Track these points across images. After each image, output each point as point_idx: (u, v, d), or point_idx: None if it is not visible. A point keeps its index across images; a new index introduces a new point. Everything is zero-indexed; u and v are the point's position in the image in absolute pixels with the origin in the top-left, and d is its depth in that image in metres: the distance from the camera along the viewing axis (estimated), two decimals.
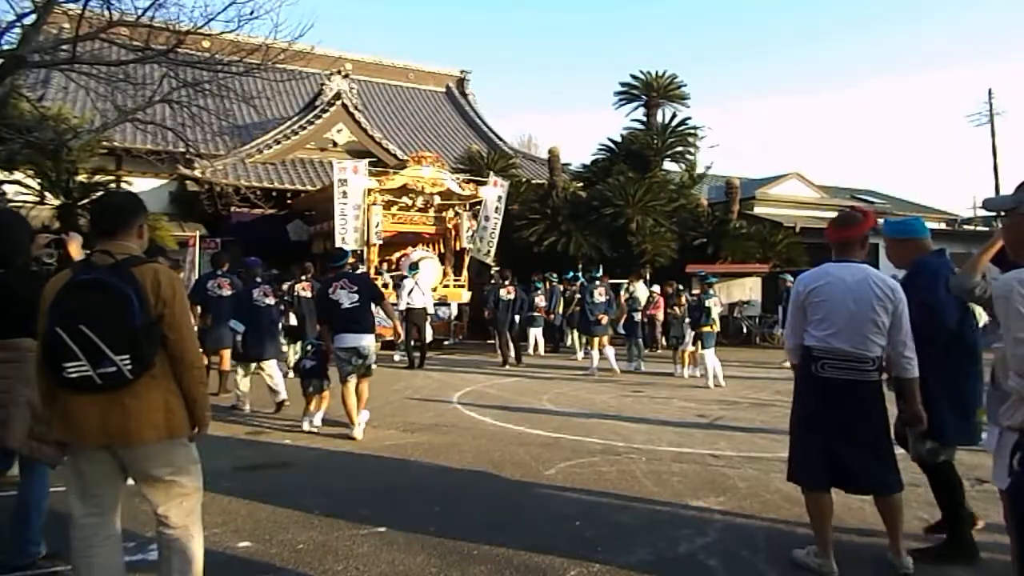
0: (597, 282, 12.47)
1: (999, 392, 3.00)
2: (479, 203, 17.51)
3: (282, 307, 10.97)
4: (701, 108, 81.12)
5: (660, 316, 14.73)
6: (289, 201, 18.90)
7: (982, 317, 3.87)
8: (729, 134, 78.62)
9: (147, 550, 3.52)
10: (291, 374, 9.61)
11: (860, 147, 76.61)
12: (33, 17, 9.12)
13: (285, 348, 11.26)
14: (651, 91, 21.97)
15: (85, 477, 2.55)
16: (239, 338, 7.81)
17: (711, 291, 10.71)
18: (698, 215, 20.26)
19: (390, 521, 4.04)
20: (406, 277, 13.03)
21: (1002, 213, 2.50)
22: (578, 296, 13.99)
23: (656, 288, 14.68)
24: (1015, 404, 2.08)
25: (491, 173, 18.63)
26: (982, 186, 62.65)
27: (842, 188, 29.44)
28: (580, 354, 13.87)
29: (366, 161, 16.11)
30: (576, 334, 14.66)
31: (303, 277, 11.22)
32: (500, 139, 28.36)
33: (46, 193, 13.89)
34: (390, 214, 16.33)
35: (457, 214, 17.39)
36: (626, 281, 14.56)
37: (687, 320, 11.17)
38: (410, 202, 16.66)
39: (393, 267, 16.58)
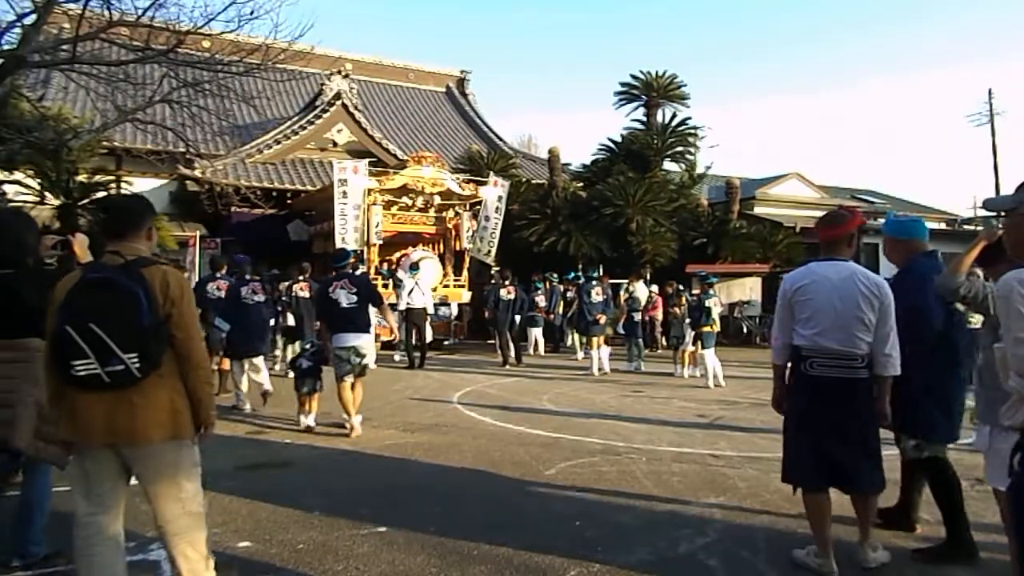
0: (594, 282, 12.51)
1: (987, 391, 3.03)
2: (479, 203, 17.51)
3: (279, 307, 10.99)
4: (701, 108, 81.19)
5: (659, 316, 14.74)
6: (289, 201, 18.90)
7: (977, 317, 3.89)
8: (729, 134, 78.71)
9: (147, 550, 3.52)
10: (290, 373, 9.62)
11: (860, 147, 76.67)
12: (33, 17, 9.12)
13: (280, 349, 11.28)
14: (651, 91, 21.97)
15: (90, 476, 2.58)
16: (223, 336, 7.92)
17: (711, 291, 10.71)
18: (698, 215, 20.26)
19: (390, 521, 4.04)
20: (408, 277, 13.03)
21: (1002, 213, 2.51)
22: (574, 296, 14.05)
23: (655, 288, 14.69)
24: (1015, 404, 2.09)
25: (491, 173, 18.63)
26: (982, 186, 62.65)
27: (842, 188, 29.44)
28: (580, 354, 13.88)
29: (366, 161, 16.11)
30: (576, 334, 14.69)
31: (300, 277, 11.23)
32: (500, 139, 28.37)
33: (46, 193, 13.90)
34: (390, 214, 16.33)
35: (457, 214, 17.39)
36: (626, 281, 14.58)
37: (687, 320, 11.18)
38: (410, 202, 16.66)
39: (393, 267, 16.58)
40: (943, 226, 26.31)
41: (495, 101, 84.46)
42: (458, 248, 17.38)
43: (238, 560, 3.45)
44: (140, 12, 9.28)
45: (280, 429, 6.90)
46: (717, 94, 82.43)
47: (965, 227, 27.34)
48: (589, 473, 5.22)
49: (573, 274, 15.86)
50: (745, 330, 18.02)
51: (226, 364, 8.49)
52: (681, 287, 13.35)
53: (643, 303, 13.51)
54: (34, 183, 13.79)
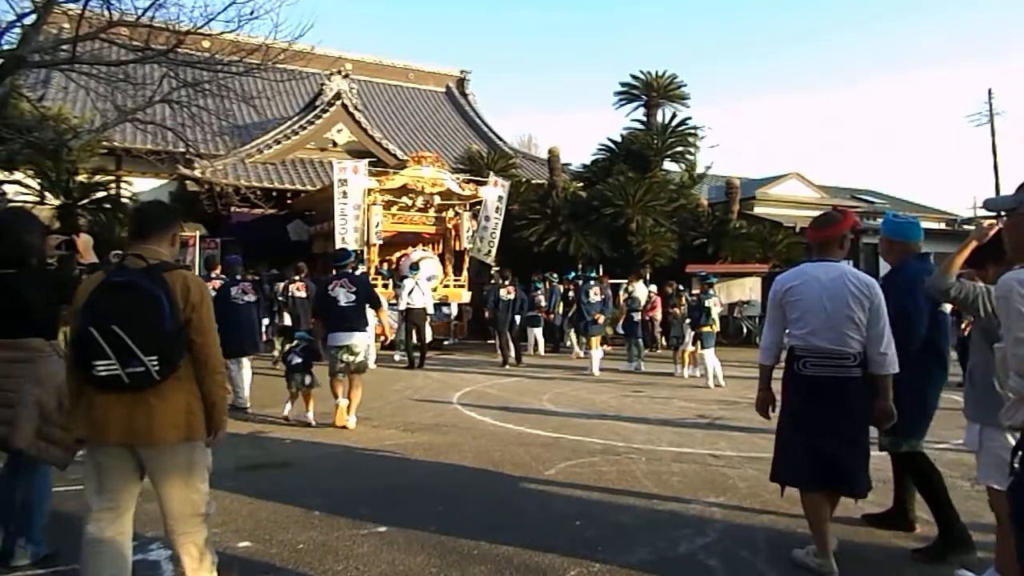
0: (592, 282, 12.53)
1: (978, 390, 3.07)
2: (479, 203, 17.51)
3: (275, 307, 11.00)
4: (701, 108, 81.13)
5: (658, 316, 14.74)
6: (289, 201, 18.90)
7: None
8: (729, 134, 78.69)
9: (147, 550, 3.53)
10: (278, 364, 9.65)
11: (860, 147, 76.65)
12: (33, 17, 9.12)
13: (278, 349, 11.29)
14: (651, 91, 21.97)
15: (103, 473, 2.62)
16: None
17: (711, 291, 10.72)
18: (698, 215, 20.26)
19: (390, 521, 4.04)
20: (407, 278, 13.03)
21: (1003, 213, 2.51)
22: (572, 296, 14.07)
23: (654, 288, 14.69)
24: (1016, 404, 2.09)
25: (491, 173, 18.63)
26: (982, 186, 62.65)
27: (842, 188, 29.44)
28: (579, 351, 13.90)
29: (366, 161, 16.10)
30: (575, 334, 14.71)
31: (296, 277, 11.23)
32: (500, 139, 28.37)
33: (46, 193, 13.92)
34: (390, 214, 16.32)
35: (457, 214, 17.39)
36: (626, 281, 14.59)
37: (687, 320, 11.19)
38: (410, 202, 16.66)
39: (393, 267, 16.59)
40: (943, 226, 26.30)
41: (495, 101, 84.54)
42: (458, 248, 17.38)
43: (238, 560, 3.45)
44: (140, 12, 9.30)
45: (280, 429, 6.91)
46: (717, 94, 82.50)
47: (965, 227, 27.35)
48: (589, 473, 5.22)
49: (573, 274, 15.87)
50: (745, 330, 18.02)
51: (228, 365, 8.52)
52: (681, 287, 13.36)
53: (643, 303, 13.51)
54: (34, 183, 13.81)
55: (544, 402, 8.69)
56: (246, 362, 8.03)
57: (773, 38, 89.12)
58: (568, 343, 15.82)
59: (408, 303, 12.33)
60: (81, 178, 14.56)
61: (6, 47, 9.44)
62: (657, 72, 22.03)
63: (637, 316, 12.96)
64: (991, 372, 3.05)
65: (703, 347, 10.45)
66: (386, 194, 15.96)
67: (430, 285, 14.35)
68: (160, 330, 2.49)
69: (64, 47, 9.62)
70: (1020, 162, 64.15)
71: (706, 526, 4.05)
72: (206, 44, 11.61)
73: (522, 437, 6.53)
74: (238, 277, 8.20)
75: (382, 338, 9.00)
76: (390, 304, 13.71)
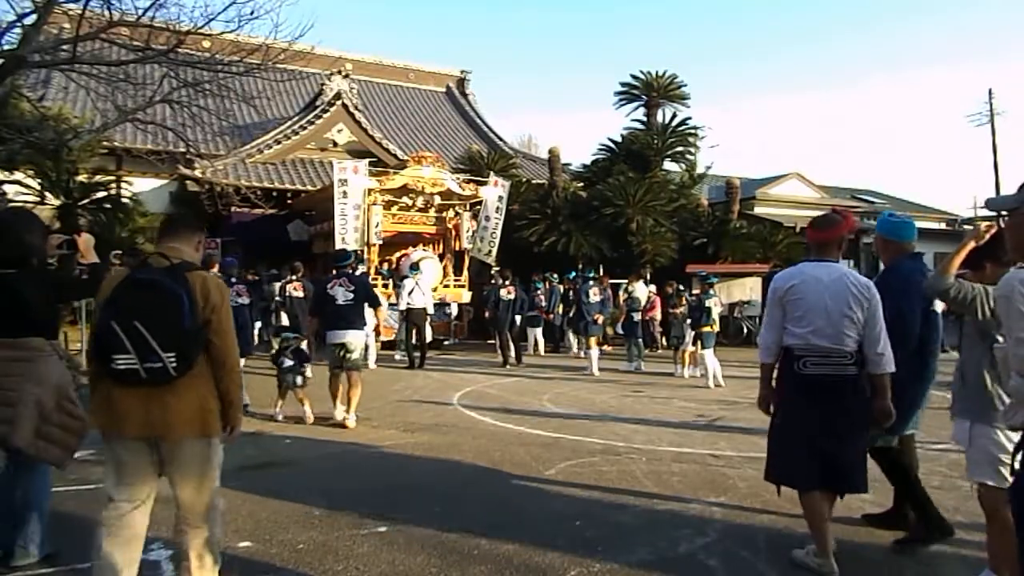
0: (592, 282, 12.53)
1: (968, 388, 3.13)
2: (479, 203, 17.51)
3: (273, 307, 11.01)
4: (701, 108, 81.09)
5: (658, 316, 14.74)
6: (289, 201, 18.89)
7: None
8: (729, 134, 78.69)
9: (147, 550, 3.51)
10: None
11: (860, 147, 76.62)
12: (33, 17, 9.12)
13: (276, 349, 11.31)
14: (651, 91, 21.96)
15: (121, 467, 2.70)
16: None
17: (711, 291, 10.72)
18: (698, 215, 20.25)
19: (390, 521, 4.04)
20: (407, 277, 13.03)
21: (1004, 213, 2.51)
22: (572, 296, 14.07)
23: (653, 288, 14.69)
24: (1017, 404, 2.09)
25: (491, 173, 18.63)
26: (982, 186, 62.63)
27: (842, 188, 29.44)
28: (579, 351, 13.90)
29: (366, 161, 16.10)
30: (574, 334, 14.70)
31: (293, 277, 11.24)
32: (500, 139, 28.37)
33: (46, 193, 13.92)
34: (390, 214, 16.32)
35: (457, 214, 17.38)
36: (626, 281, 14.58)
37: (687, 320, 11.19)
38: (410, 202, 16.66)
39: (393, 267, 16.58)
40: (943, 226, 26.29)
41: (495, 101, 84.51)
42: (458, 248, 17.37)
43: (238, 560, 3.45)
44: (140, 12, 9.29)
45: (280, 429, 6.91)
46: (717, 94, 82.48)
47: (965, 227, 27.35)
48: (589, 473, 5.22)
49: (573, 274, 15.87)
50: (745, 330, 18.01)
51: None
52: (681, 287, 13.35)
53: (643, 303, 13.51)
54: (34, 183, 13.81)
55: (544, 402, 8.69)
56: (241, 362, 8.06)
57: (773, 38, 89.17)
58: (567, 343, 15.80)
59: (408, 303, 12.33)
60: (81, 178, 14.56)
61: (6, 47, 9.44)
62: (657, 72, 22.04)
63: (637, 316, 12.97)
64: (982, 369, 3.07)
65: (703, 347, 10.45)
66: (386, 194, 15.96)
67: (430, 285, 14.34)
68: (180, 328, 2.57)
69: (64, 47, 9.62)
70: (1020, 162, 64.15)
71: (706, 526, 4.05)
72: (206, 44, 11.61)
73: (522, 437, 6.53)
74: (233, 279, 8.23)
75: (385, 336, 9.08)
76: (390, 304, 13.74)
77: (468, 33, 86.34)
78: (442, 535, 3.83)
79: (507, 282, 13.59)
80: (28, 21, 9.19)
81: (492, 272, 15.72)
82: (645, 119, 22.22)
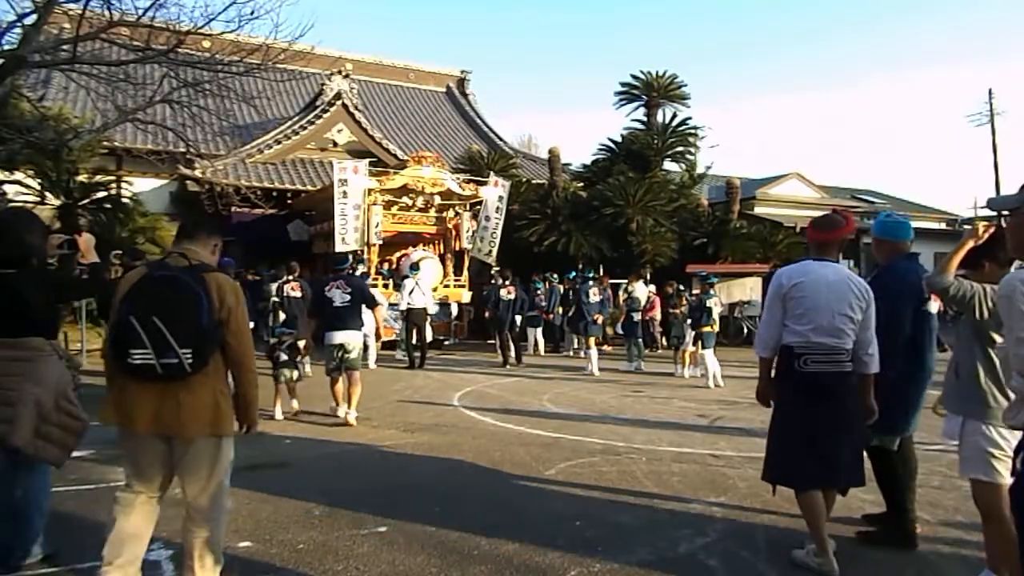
0: (591, 282, 12.52)
1: (962, 384, 3.15)
2: (479, 203, 17.50)
3: (271, 308, 11.00)
4: (701, 108, 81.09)
5: (658, 316, 14.74)
6: (289, 201, 18.90)
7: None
8: (729, 134, 78.65)
9: (148, 550, 3.51)
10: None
11: (860, 147, 76.61)
12: (34, 17, 9.11)
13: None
14: (651, 91, 21.95)
15: (136, 459, 2.78)
16: None
17: (712, 291, 10.72)
18: (698, 215, 20.25)
19: (390, 521, 4.04)
20: (407, 277, 13.03)
21: (1005, 213, 2.51)
22: (571, 296, 14.06)
23: (652, 288, 14.69)
24: (1019, 404, 2.09)
25: (491, 173, 18.63)
26: (982, 186, 62.64)
27: (842, 188, 29.43)
28: (578, 350, 13.90)
29: (366, 161, 16.09)
30: (574, 334, 14.70)
31: (290, 277, 11.23)
32: (500, 139, 28.36)
33: (46, 193, 13.90)
34: (390, 214, 16.32)
35: (457, 214, 17.38)
36: (626, 281, 14.58)
37: (688, 320, 11.18)
38: (410, 202, 16.65)
39: (393, 267, 16.58)
40: (943, 226, 26.28)
41: (495, 101, 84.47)
42: (458, 248, 17.37)
43: (238, 560, 3.45)
44: (140, 12, 9.28)
45: (279, 429, 6.90)
46: (717, 94, 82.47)
47: (965, 227, 27.31)
48: (589, 473, 5.22)
49: (573, 273, 15.87)
50: (745, 330, 18.01)
51: None
52: (681, 287, 13.35)
53: (643, 303, 13.51)
54: (34, 183, 13.79)
55: (544, 402, 8.69)
56: None
57: (773, 38, 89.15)
58: (567, 343, 15.80)
59: (408, 303, 12.33)
60: (81, 178, 14.54)
61: (6, 47, 9.44)
62: (657, 72, 22.04)
63: (637, 316, 12.97)
64: (976, 366, 3.08)
65: (703, 347, 10.45)
66: (386, 194, 15.96)
67: (430, 285, 14.34)
68: (197, 324, 2.63)
69: (64, 47, 9.62)
70: (1021, 162, 64.14)
71: (706, 526, 4.05)
72: (206, 44, 11.60)
73: (522, 437, 6.53)
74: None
75: (386, 337, 9.12)
76: (391, 304, 13.73)
77: (468, 33, 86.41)
78: (442, 535, 3.83)
79: (507, 282, 13.59)
80: (28, 21, 9.19)
81: (492, 272, 15.72)
82: (645, 119, 22.21)
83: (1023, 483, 2.03)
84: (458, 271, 17.40)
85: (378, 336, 9.49)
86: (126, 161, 16.54)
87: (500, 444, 6.21)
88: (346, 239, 14.97)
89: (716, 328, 10.62)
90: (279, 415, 7.31)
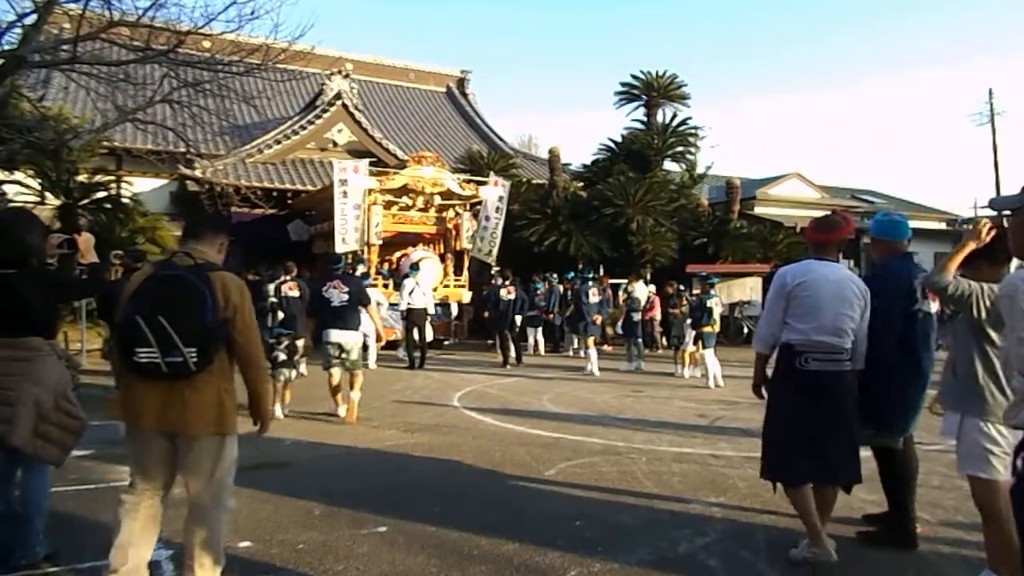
0: (591, 283, 12.52)
1: (959, 382, 3.16)
2: (479, 203, 17.51)
3: (268, 308, 11.00)
4: (701, 108, 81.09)
5: (658, 316, 14.73)
6: (289, 201, 18.90)
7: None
8: (729, 134, 78.66)
9: None
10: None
11: (860, 147, 76.57)
12: (34, 17, 9.12)
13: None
14: (651, 91, 21.96)
15: (141, 456, 2.80)
16: None
17: (712, 291, 10.72)
18: (698, 215, 20.26)
19: (390, 521, 4.04)
20: (407, 277, 13.03)
21: (1007, 212, 2.51)
22: (570, 295, 14.06)
23: (652, 288, 14.69)
24: (1020, 403, 2.09)
25: (491, 173, 18.64)
26: (982, 186, 62.68)
27: (842, 188, 29.43)
28: (578, 349, 13.91)
29: (366, 161, 16.10)
30: (575, 335, 14.70)
31: (287, 277, 11.24)
32: (500, 139, 28.37)
33: (46, 193, 13.91)
34: (390, 214, 16.32)
35: (457, 214, 17.39)
36: (626, 281, 14.58)
37: (688, 320, 11.18)
38: (410, 202, 16.66)
39: (393, 267, 16.57)
40: (943, 226, 26.28)
41: (495, 101, 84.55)
42: (458, 248, 17.38)
43: (238, 560, 3.44)
44: (140, 12, 9.29)
45: (279, 429, 6.89)
46: (717, 94, 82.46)
47: (965, 227, 27.33)
48: (589, 473, 5.22)
49: (572, 273, 15.87)
50: (745, 330, 18.02)
51: None
52: (682, 287, 13.35)
53: (642, 303, 13.50)
54: (34, 183, 13.80)
55: (544, 402, 8.69)
56: None
57: (773, 38, 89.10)
58: (567, 343, 15.79)
59: (408, 303, 12.33)
60: (81, 178, 14.56)
61: (6, 47, 9.44)
62: (657, 72, 22.04)
63: (637, 316, 12.96)
64: (974, 363, 3.09)
65: (704, 347, 10.44)
66: (386, 194, 15.96)
67: (430, 285, 14.34)
68: (202, 323, 2.65)
69: (64, 47, 9.62)
70: (1021, 162, 64.15)
71: (706, 526, 4.05)
72: (206, 44, 11.60)
73: (522, 437, 6.53)
74: None
75: (387, 338, 9.15)
76: (391, 304, 13.73)
77: (468, 33, 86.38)
78: (442, 535, 3.83)
79: (507, 282, 13.58)
80: (28, 21, 9.20)
81: (492, 272, 15.73)
82: (645, 119, 22.22)
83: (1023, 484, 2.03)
84: (458, 271, 17.40)
85: (379, 338, 9.51)
86: (126, 161, 16.56)
87: (500, 444, 6.21)
88: (346, 239, 14.97)
89: (717, 328, 10.62)
90: (279, 414, 7.34)
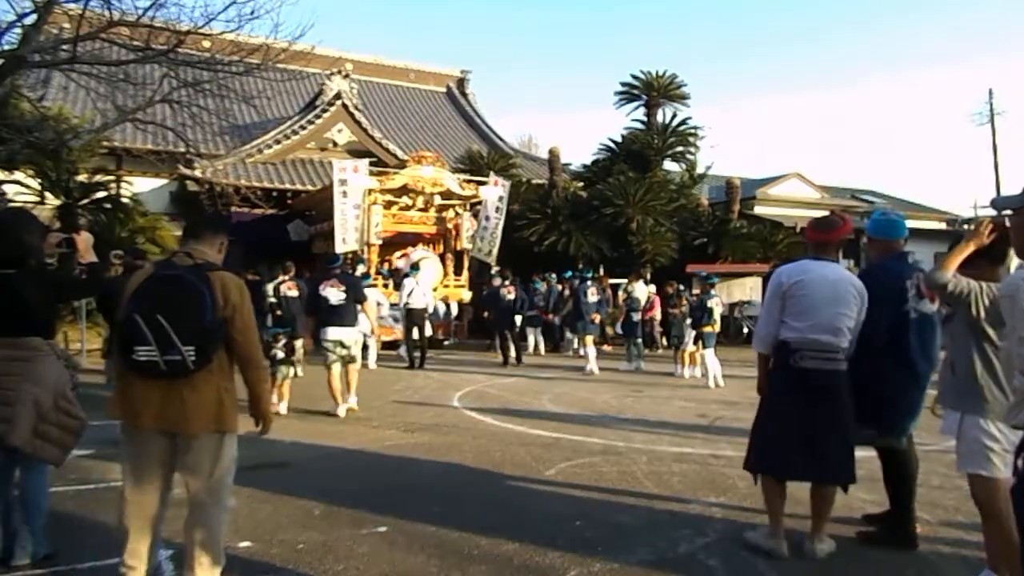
0: (590, 282, 12.53)
1: (958, 381, 3.16)
2: (479, 203, 17.51)
3: (267, 308, 11.01)
4: (701, 108, 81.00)
5: (658, 316, 14.73)
6: (289, 201, 18.90)
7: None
8: (729, 134, 78.64)
9: None
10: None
11: (860, 147, 76.53)
12: (33, 17, 9.12)
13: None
14: (651, 91, 21.96)
15: (138, 456, 2.78)
16: None
17: (713, 291, 10.71)
18: (698, 215, 20.26)
19: (390, 521, 4.04)
20: (407, 277, 13.02)
21: (1008, 212, 2.51)
22: (567, 295, 14.03)
23: (652, 288, 14.69)
24: (1020, 404, 2.09)
25: (491, 173, 18.64)
26: (982, 186, 62.68)
27: (842, 188, 29.42)
28: (577, 348, 13.92)
29: (366, 161, 16.10)
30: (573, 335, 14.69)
31: (285, 277, 11.24)
32: (500, 139, 28.37)
33: (46, 193, 13.92)
34: (390, 214, 16.31)
35: (457, 214, 17.38)
36: (626, 281, 14.57)
37: (688, 320, 11.18)
38: (410, 202, 16.65)
39: (393, 267, 16.57)
40: (943, 226, 26.27)
41: (495, 101, 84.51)
42: (458, 248, 17.37)
43: (238, 560, 3.44)
44: (140, 12, 9.29)
45: (279, 429, 6.88)
46: (717, 94, 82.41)
47: (965, 227, 27.33)
48: (589, 473, 5.22)
49: (570, 273, 15.87)
50: (745, 330, 18.02)
51: None
52: (682, 287, 13.35)
53: (642, 303, 13.50)
54: (34, 183, 13.81)
55: (544, 402, 8.68)
56: None
57: (773, 38, 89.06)
58: (566, 343, 15.79)
59: (408, 303, 12.33)
60: (81, 178, 14.56)
61: (6, 47, 9.44)
62: (657, 72, 22.04)
63: (637, 316, 12.95)
64: (973, 361, 3.10)
65: (704, 347, 10.44)
66: (386, 194, 15.95)
67: (430, 285, 14.33)
68: (200, 322, 2.67)
69: (64, 47, 9.61)
70: (1021, 162, 64.12)
71: (706, 526, 4.05)
72: (206, 44, 11.59)
73: (522, 437, 6.52)
74: None
75: (386, 337, 9.19)
76: (392, 304, 13.73)
77: (468, 33, 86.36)
78: (442, 535, 3.83)
79: (507, 282, 13.58)
80: (28, 21, 9.20)
81: (492, 272, 15.73)
82: (645, 119, 22.23)
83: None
84: (458, 271, 17.39)
85: (372, 330, 9.56)
86: (126, 161, 16.56)
87: (500, 444, 6.21)
88: (346, 239, 14.97)
89: (717, 328, 10.62)
90: (283, 410, 7.44)
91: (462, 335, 17.95)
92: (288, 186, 18.91)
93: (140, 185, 17.49)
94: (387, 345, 13.91)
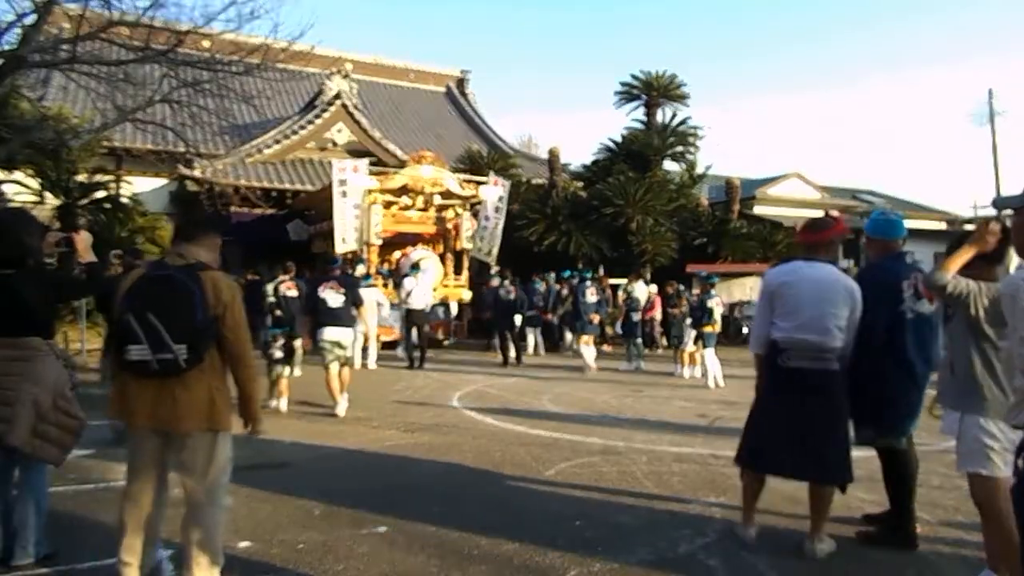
0: (589, 282, 12.54)
1: (958, 381, 3.17)
2: (479, 203, 17.50)
3: (266, 308, 11.01)
4: (701, 108, 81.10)
5: (658, 316, 14.73)
6: (289, 201, 18.89)
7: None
8: (729, 134, 78.54)
9: None
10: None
11: (860, 147, 76.54)
12: (33, 17, 9.12)
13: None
14: (651, 91, 21.97)
15: (135, 454, 2.84)
16: None
17: (713, 291, 10.71)
18: (698, 215, 20.26)
19: (390, 521, 4.04)
20: (407, 277, 13.02)
21: (1009, 212, 2.51)
22: (565, 295, 14.03)
23: (653, 288, 14.69)
24: (1021, 404, 2.09)
25: (491, 173, 18.63)
26: (982, 186, 62.71)
27: (842, 188, 29.43)
28: (576, 347, 13.93)
29: (366, 161, 16.09)
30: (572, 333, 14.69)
31: (285, 277, 11.23)
32: (500, 139, 28.38)
33: (46, 193, 13.91)
34: (390, 214, 16.29)
35: (457, 214, 17.37)
36: (625, 281, 14.57)
37: (688, 320, 11.18)
38: (410, 202, 16.63)
39: (393, 267, 16.56)
40: (943, 226, 26.29)
41: (495, 101, 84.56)
42: (458, 248, 17.36)
43: (238, 560, 3.44)
44: (140, 12, 9.30)
45: (278, 429, 6.89)
46: (717, 94, 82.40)
47: (965, 227, 27.33)
48: (589, 473, 5.22)
49: (569, 273, 15.86)
50: (745, 330, 18.00)
51: None
52: (682, 287, 13.35)
53: (642, 303, 13.49)
54: (34, 183, 13.80)
55: (544, 402, 8.68)
56: None
57: (773, 38, 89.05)
58: (566, 343, 15.78)
59: (408, 303, 12.32)
60: (81, 178, 14.56)
61: (6, 47, 9.44)
62: (657, 72, 22.06)
63: (636, 316, 12.95)
64: (972, 361, 3.10)
65: (704, 346, 10.44)
66: (386, 194, 15.94)
67: (430, 285, 14.32)
68: (192, 321, 2.69)
69: (64, 47, 9.61)
70: (1021, 162, 64.12)
71: (706, 526, 4.05)
72: (206, 44, 11.60)
73: (522, 437, 6.52)
74: None
75: (386, 337, 9.22)
76: (392, 304, 13.72)
77: (468, 33, 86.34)
78: (442, 535, 3.83)
79: (507, 282, 13.57)
80: (28, 21, 9.20)
81: (492, 272, 15.71)
82: (645, 119, 22.24)
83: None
84: (458, 271, 17.38)
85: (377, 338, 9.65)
86: (126, 161, 16.56)
87: (500, 444, 6.20)
88: (346, 239, 14.96)
89: (718, 328, 10.62)
90: (283, 407, 7.52)
91: (462, 335, 17.94)
92: (288, 186, 18.91)
93: (140, 185, 17.48)
94: (387, 345, 13.91)
